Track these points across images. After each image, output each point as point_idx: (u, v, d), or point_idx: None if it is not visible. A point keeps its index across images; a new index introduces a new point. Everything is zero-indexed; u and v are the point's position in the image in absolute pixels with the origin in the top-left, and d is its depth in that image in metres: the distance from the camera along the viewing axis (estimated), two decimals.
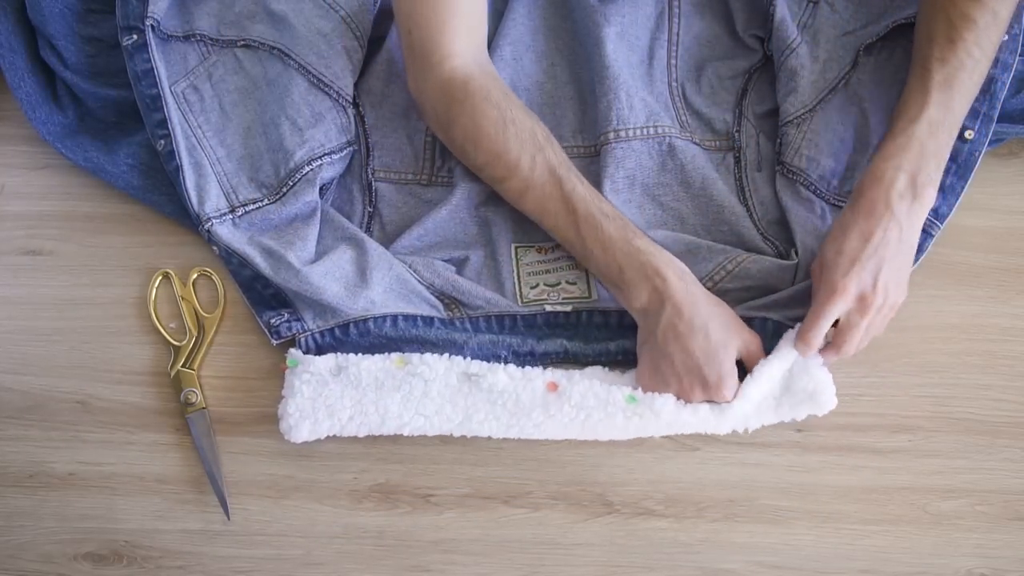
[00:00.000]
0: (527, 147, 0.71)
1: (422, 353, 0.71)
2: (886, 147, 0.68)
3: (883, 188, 0.66)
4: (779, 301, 0.72)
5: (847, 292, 0.65)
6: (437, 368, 0.70)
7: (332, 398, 0.69)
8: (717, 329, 0.67)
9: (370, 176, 0.81)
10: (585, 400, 0.69)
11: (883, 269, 0.65)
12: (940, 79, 0.67)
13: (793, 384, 0.69)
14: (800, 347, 0.68)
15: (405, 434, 0.70)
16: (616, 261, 0.68)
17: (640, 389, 0.70)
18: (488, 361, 0.71)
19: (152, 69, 0.79)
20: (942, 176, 0.74)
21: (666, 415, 0.68)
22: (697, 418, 0.69)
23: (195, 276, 0.78)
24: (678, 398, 0.69)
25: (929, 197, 0.67)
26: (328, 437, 0.72)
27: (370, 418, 0.70)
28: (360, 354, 0.71)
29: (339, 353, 0.72)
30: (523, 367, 0.71)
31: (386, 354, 0.71)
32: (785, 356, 0.69)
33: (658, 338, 0.67)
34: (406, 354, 0.71)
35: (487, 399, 0.69)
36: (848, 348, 0.67)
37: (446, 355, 0.71)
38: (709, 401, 0.69)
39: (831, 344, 0.68)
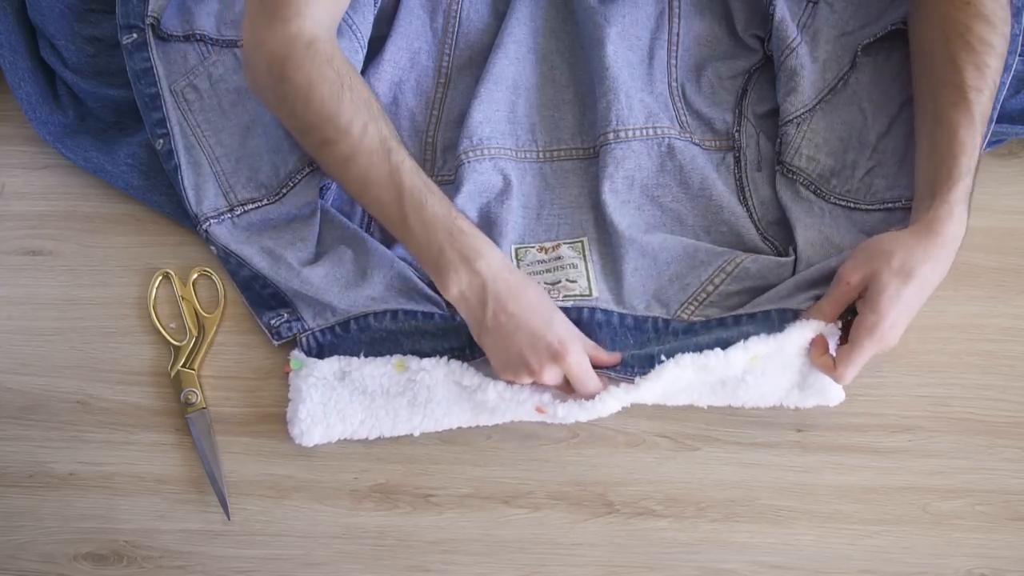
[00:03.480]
0: (361, 114, 0.68)
1: (420, 358, 0.71)
2: (950, 173, 0.67)
3: (949, 239, 0.65)
4: (780, 292, 0.72)
5: (891, 343, 0.66)
6: (436, 375, 0.70)
7: (342, 403, 0.70)
8: (539, 300, 0.67)
9: None
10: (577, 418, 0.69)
11: (916, 297, 0.66)
12: (981, 111, 0.68)
13: (808, 374, 0.69)
14: (822, 318, 0.68)
15: (416, 435, 0.71)
16: (437, 240, 0.66)
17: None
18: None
19: (151, 68, 0.79)
20: None
21: (651, 397, 0.69)
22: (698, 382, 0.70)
23: (195, 276, 0.78)
24: (534, 378, 0.66)
25: (964, 222, 0.67)
26: None
27: (381, 422, 0.71)
28: (361, 357, 0.71)
29: (341, 356, 0.72)
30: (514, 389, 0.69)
31: (386, 357, 0.72)
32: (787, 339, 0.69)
33: (489, 324, 0.66)
34: (405, 357, 0.71)
35: (484, 407, 0.70)
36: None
37: (443, 359, 0.71)
38: (563, 384, 0.68)
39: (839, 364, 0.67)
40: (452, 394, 0.70)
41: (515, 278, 0.67)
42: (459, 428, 0.72)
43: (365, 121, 0.68)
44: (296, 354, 0.73)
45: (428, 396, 0.70)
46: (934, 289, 0.67)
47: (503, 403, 0.69)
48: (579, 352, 0.66)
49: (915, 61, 0.74)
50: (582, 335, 0.69)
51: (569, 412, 0.68)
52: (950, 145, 0.68)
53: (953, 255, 0.66)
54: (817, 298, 0.70)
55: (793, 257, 0.73)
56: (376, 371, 0.71)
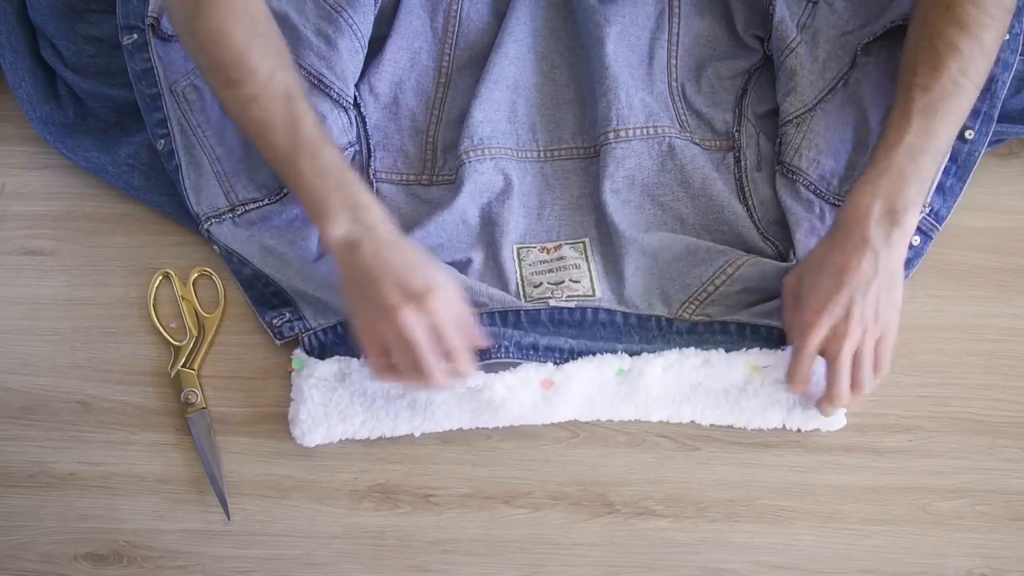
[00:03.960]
0: (270, 60, 0.68)
1: None
2: (865, 175, 0.67)
3: (859, 218, 0.66)
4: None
5: (820, 327, 0.65)
6: None
7: (343, 404, 0.71)
8: (417, 252, 0.66)
9: (371, 177, 0.81)
10: (584, 389, 0.70)
11: (856, 302, 0.65)
12: (921, 105, 0.67)
13: (811, 400, 0.70)
14: (794, 388, 0.68)
15: (416, 435, 0.71)
16: (325, 186, 0.66)
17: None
18: (490, 355, 0.71)
19: (152, 68, 0.79)
20: (941, 176, 0.74)
21: (653, 380, 0.70)
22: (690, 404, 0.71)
23: (195, 276, 0.78)
24: (394, 327, 0.63)
25: (909, 223, 0.66)
26: None
27: (382, 423, 0.71)
28: (362, 359, 0.71)
29: (340, 357, 0.72)
30: (519, 367, 0.70)
31: None
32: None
33: (361, 270, 0.65)
34: None
35: (489, 407, 0.70)
36: (839, 386, 0.66)
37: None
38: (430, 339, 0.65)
39: (825, 393, 0.67)
40: (453, 396, 0.70)
41: (397, 233, 0.67)
42: (460, 431, 0.72)
43: (272, 68, 0.68)
44: (298, 354, 0.73)
45: (428, 399, 0.70)
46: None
47: (511, 395, 0.69)
48: (446, 298, 0.65)
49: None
50: (461, 294, 0.67)
51: (578, 368, 0.69)
52: (880, 145, 0.68)
53: (865, 242, 0.65)
54: None
55: (793, 261, 0.73)
56: None
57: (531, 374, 0.70)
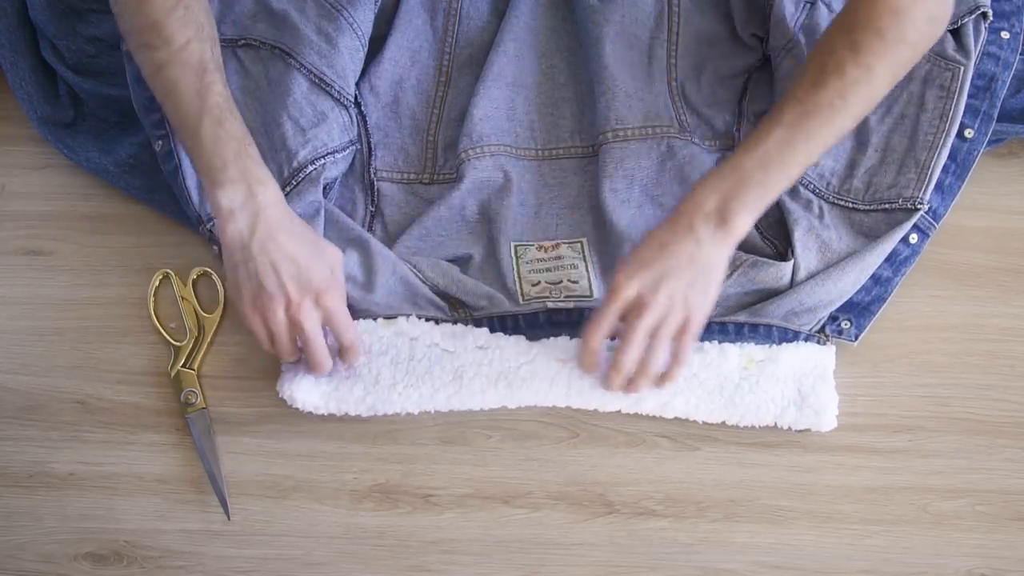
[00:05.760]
0: (188, 30, 0.69)
1: (407, 319, 0.73)
2: (715, 169, 0.67)
3: (692, 207, 0.65)
4: (783, 307, 0.72)
5: (627, 289, 0.64)
6: (422, 326, 0.72)
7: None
8: (314, 238, 0.67)
9: (372, 176, 0.81)
10: (567, 350, 0.71)
11: (670, 277, 0.64)
12: (790, 118, 0.66)
13: (804, 399, 0.70)
14: (583, 360, 0.67)
15: (399, 403, 0.71)
16: (223, 155, 0.66)
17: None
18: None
19: None
20: (940, 175, 0.74)
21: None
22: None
23: (195, 276, 0.78)
24: (288, 313, 0.66)
25: (739, 226, 0.65)
26: (328, 436, 0.72)
27: (364, 378, 0.71)
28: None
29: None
30: (508, 334, 0.73)
31: (369, 320, 0.73)
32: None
33: (254, 249, 0.65)
34: (391, 320, 0.73)
35: (474, 360, 0.71)
36: (627, 357, 0.65)
37: (430, 322, 0.73)
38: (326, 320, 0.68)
39: (612, 363, 0.67)
40: (435, 350, 0.71)
41: (291, 214, 0.68)
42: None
43: (189, 38, 0.68)
44: None
45: (410, 352, 0.71)
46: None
47: (496, 339, 0.72)
48: (341, 295, 0.67)
49: None
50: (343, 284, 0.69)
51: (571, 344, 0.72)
52: (738, 144, 0.68)
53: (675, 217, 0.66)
54: (820, 320, 0.72)
55: (792, 261, 0.73)
56: (359, 329, 0.72)
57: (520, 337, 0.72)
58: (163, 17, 0.68)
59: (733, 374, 0.71)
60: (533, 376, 0.71)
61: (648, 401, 0.71)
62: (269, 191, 0.67)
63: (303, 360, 0.69)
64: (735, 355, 0.71)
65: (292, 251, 0.65)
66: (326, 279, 0.66)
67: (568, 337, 0.73)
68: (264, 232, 0.65)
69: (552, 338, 0.73)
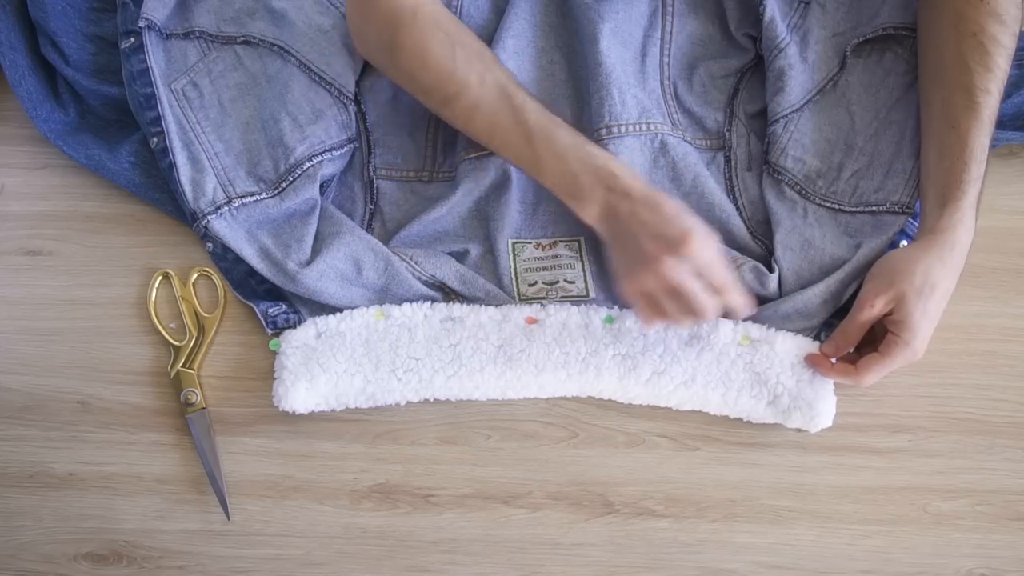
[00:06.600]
0: (475, 65, 0.70)
1: (399, 304, 0.73)
2: (964, 190, 0.67)
3: (962, 247, 0.67)
4: (778, 313, 0.73)
5: (918, 355, 0.67)
6: (417, 315, 0.72)
7: (323, 357, 0.71)
8: (671, 206, 0.66)
9: (372, 174, 0.81)
10: (566, 326, 0.72)
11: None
12: (990, 113, 0.67)
13: (799, 395, 0.70)
14: (859, 381, 0.68)
15: (399, 390, 0.71)
16: (571, 169, 0.68)
17: (617, 309, 0.72)
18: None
19: (147, 69, 0.79)
20: None
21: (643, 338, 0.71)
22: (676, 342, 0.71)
23: (195, 276, 0.78)
24: (658, 277, 0.64)
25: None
26: (328, 436, 0.72)
27: (364, 368, 0.71)
28: (337, 315, 0.73)
29: (317, 318, 0.73)
30: (502, 308, 0.73)
31: (363, 309, 0.73)
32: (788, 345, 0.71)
33: (622, 230, 0.66)
34: (384, 307, 0.73)
35: (472, 336, 0.71)
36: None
37: (427, 303, 0.73)
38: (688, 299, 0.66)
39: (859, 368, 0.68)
40: (434, 332, 0.72)
41: (648, 190, 0.67)
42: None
43: (481, 72, 0.69)
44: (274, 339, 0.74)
45: (410, 337, 0.71)
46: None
47: (493, 322, 0.72)
48: (702, 241, 0.64)
49: (923, 58, 0.74)
50: (716, 239, 0.68)
51: (563, 310, 0.72)
52: (960, 151, 0.68)
53: (964, 260, 0.67)
54: (809, 331, 0.72)
55: (776, 271, 0.73)
56: (355, 323, 0.72)
57: (515, 311, 0.72)
58: (448, 64, 0.69)
59: (729, 349, 0.71)
60: (531, 344, 0.71)
61: (644, 368, 0.71)
62: (622, 179, 0.67)
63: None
64: (729, 329, 0.71)
65: (649, 217, 0.65)
66: (683, 232, 0.64)
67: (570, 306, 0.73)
68: (627, 216, 0.66)
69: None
